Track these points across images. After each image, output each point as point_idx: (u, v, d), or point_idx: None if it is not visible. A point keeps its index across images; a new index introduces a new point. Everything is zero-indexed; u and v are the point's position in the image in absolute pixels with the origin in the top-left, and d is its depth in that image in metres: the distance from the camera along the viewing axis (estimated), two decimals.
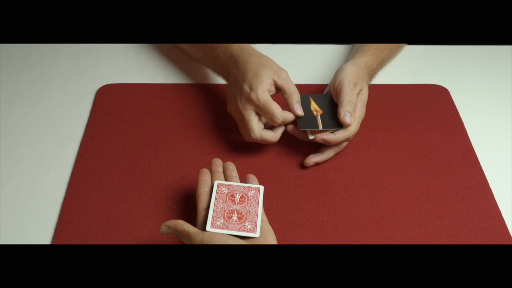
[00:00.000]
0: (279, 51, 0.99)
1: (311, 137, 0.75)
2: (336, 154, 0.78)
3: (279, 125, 0.75)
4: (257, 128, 0.74)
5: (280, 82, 0.75)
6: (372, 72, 0.83)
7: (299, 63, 0.98)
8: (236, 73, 0.77)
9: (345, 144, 0.78)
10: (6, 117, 0.86)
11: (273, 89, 0.75)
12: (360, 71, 0.79)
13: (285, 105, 0.76)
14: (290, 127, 0.77)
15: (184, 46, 0.94)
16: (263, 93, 0.73)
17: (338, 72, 0.78)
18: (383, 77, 0.92)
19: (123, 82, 0.92)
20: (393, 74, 0.94)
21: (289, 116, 0.74)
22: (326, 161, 0.78)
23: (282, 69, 0.76)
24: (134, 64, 0.96)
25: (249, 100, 0.73)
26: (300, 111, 0.75)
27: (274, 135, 0.75)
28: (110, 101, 0.88)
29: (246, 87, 0.74)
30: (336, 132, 0.74)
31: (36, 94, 0.90)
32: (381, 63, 0.86)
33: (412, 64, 0.99)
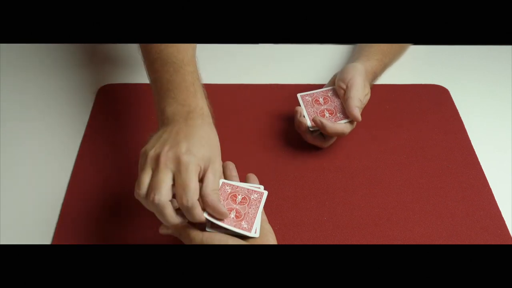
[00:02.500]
0: (279, 51, 0.99)
1: (310, 124, 0.76)
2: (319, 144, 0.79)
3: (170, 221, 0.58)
4: (165, 194, 0.56)
5: (208, 175, 0.59)
6: (375, 78, 0.84)
7: (299, 63, 0.98)
8: (182, 123, 0.62)
9: (330, 142, 0.79)
10: (6, 117, 0.86)
11: (199, 173, 0.59)
12: (368, 75, 0.80)
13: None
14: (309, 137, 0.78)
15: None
16: (192, 169, 0.57)
17: (349, 68, 0.79)
18: (383, 77, 0.92)
19: (123, 82, 0.92)
20: (393, 74, 0.94)
21: (179, 220, 0.58)
22: (310, 143, 0.79)
23: (220, 161, 0.62)
24: (134, 64, 0.96)
25: (177, 160, 0.57)
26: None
27: (181, 220, 0.58)
28: (110, 101, 0.88)
29: (183, 146, 0.58)
30: (335, 123, 0.75)
31: (36, 94, 0.90)
32: (383, 69, 0.87)
33: (412, 64, 0.99)
